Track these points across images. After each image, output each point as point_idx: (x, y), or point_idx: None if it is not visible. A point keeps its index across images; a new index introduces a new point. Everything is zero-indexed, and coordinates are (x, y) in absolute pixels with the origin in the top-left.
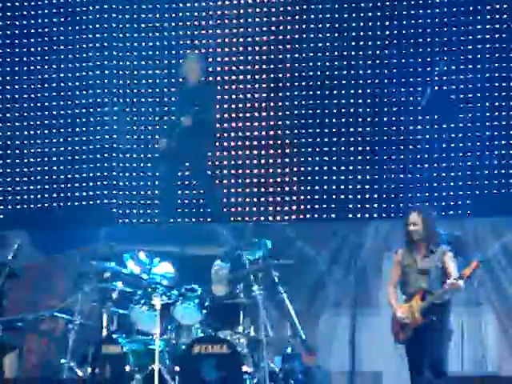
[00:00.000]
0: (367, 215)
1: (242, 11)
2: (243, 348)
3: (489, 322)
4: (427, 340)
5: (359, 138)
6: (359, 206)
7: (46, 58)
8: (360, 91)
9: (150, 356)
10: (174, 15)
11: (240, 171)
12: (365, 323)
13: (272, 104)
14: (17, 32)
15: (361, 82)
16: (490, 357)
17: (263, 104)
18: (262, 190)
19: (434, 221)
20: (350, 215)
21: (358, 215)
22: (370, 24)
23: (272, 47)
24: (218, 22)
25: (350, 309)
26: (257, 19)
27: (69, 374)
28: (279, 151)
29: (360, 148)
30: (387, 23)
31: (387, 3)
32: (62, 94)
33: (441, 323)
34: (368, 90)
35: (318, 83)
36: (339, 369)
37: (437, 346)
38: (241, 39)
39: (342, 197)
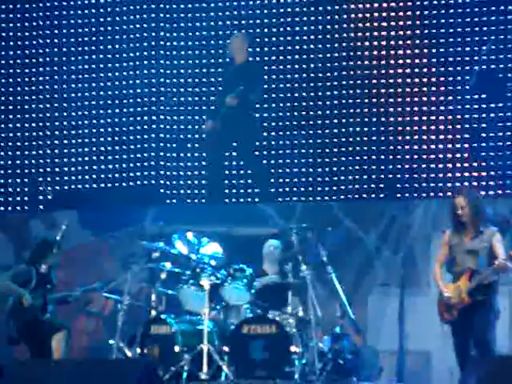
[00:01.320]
0: (415, 194)
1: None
2: (292, 328)
3: None
4: (474, 320)
5: (406, 118)
6: (407, 185)
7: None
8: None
9: (199, 336)
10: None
11: (288, 151)
12: (413, 303)
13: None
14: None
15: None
16: None
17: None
18: (311, 170)
19: (482, 202)
20: (399, 195)
21: (406, 194)
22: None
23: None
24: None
25: (398, 289)
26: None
27: (118, 354)
28: (327, 131)
29: (406, 128)
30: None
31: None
32: (109, 84)
33: (488, 303)
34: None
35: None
36: (388, 348)
37: (484, 325)
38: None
39: (390, 176)
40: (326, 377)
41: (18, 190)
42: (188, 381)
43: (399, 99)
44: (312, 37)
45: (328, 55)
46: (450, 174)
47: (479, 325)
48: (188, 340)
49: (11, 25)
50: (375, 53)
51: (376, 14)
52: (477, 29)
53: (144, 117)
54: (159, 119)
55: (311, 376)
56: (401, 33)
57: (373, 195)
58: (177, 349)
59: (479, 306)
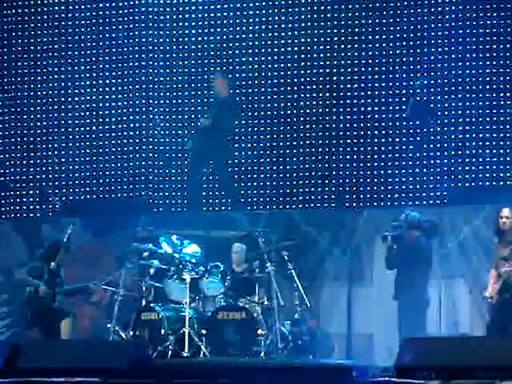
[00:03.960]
0: (361, 204)
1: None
2: (258, 314)
3: (462, 292)
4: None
5: (353, 137)
6: (354, 196)
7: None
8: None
9: (181, 321)
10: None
11: (255, 167)
12: (359, 293)
13: (275, 105)
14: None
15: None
16: (463, 322)
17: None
18: (274, 183)
19: None
20: (347, 204)
21: (354, 204)
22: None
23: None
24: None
25: (347, 282)
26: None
27: (114, 336)
28: (288, 150)
29: (353, 148)
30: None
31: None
32: (105, 104)
33: None
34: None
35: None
36: (338, 331)
37: None
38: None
39: (340, 188)
40: (287, 355)
41: (31, 199)
42: (172, 358)
43: (348, 116)
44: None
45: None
46: (389, 186)
47: None
48: (172, 324)
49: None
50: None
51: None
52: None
53: (143, 139)
54: (153, 142)
55: (274, 354)
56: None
57: (325, 205)
58: (163, 332)
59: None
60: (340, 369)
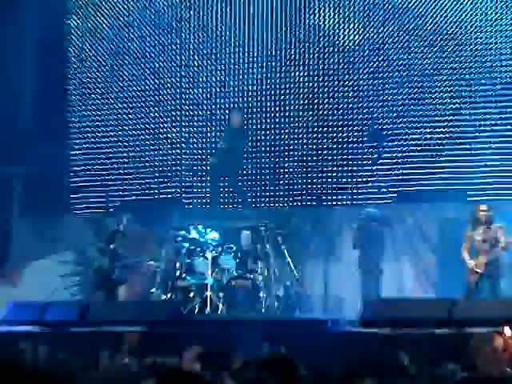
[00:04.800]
0: (334, 203)
1: None
2: (260, 282)
3: (407, 266)
4: None
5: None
6: (329, 197)
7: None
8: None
9: (205, 287)
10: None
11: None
12: (332, 267)
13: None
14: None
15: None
16: (407, 288)
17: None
18: (272, 187)
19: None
20: (324, 203)
21: (329, 203)
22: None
23: None
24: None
25: (324, 259)
26: None
27: (157, 298)
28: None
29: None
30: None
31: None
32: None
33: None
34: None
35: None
36: (318, 294)
37: None
38: None
39: (319, 191)
40: (280, 311)
41: (98, 199)
42: (198, 314)
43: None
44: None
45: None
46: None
47: None
48: (198, 290)
49: None
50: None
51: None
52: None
53: (183, 150)
54: (180, 153)
55: (272, 310)
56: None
57: (309, 202)
58: (191, 295)
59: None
60: (318, 322)
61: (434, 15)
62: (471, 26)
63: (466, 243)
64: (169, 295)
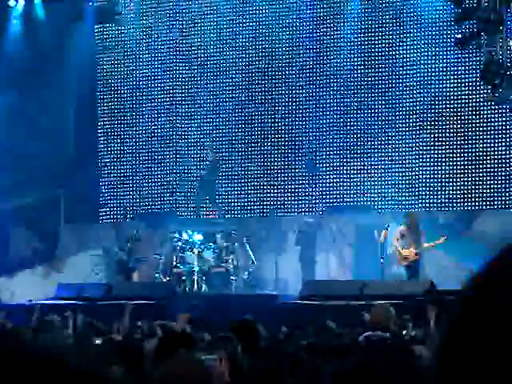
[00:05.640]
0: (283, 212)
1: None
2: (231, 269)
3: (332, 257)
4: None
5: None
6: (279, 207)
7: None
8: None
9: (193, 273)
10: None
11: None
12: (281, 259)
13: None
14: None
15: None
16: (332, 273)
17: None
18: (245, 199)
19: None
20: (277, 213)
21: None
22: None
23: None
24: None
25: (275, 252)
26: None
27: (160, 280)
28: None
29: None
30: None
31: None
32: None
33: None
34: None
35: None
36: (271, 278)
37: None
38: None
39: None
40: (246, 289)
41: (119, 210)
42: (188, 292)
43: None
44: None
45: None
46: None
47: None
48: (188, 275)
49: None
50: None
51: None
52: None
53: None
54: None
55: (240, 289)
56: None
57: (268, 214)
58: (184, 278)
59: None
60: (272, 296)
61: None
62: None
63: (396, 237)
64: (167, 279)
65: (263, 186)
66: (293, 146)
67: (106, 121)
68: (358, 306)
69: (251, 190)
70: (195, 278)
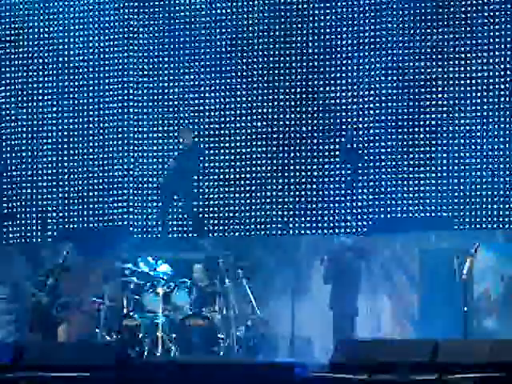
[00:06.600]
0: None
1: None
2: (218, 321)
3: (385, 304)
4: None
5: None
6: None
7: None
8: None
9: (156, 327)
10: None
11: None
12: (300, 304)
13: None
14: None
15: None
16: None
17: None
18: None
19: None
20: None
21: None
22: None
23: None
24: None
25: (291, 295)
26: None
27: (101, 339)
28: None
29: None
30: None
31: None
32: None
33: None
34: None
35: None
36: (284, 334)
37: None
38: None
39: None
40: (241, 355)
41: (34, 227)
42: (148, 356)
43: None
44: None
45: None
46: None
47: None
48: (148, 329)
49: None
50: None
51: None
52: None
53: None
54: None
55: (232, 353)
56: None
57: (273, 231)
58: (140, 336)
59: None
60: (284, 366)
61: None
62: None
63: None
64: (115, 336)
65: (271, 189)
66: (320, 123)
67: None
68: (428, 382)
69: (252, 194)
70: (159, 335)
